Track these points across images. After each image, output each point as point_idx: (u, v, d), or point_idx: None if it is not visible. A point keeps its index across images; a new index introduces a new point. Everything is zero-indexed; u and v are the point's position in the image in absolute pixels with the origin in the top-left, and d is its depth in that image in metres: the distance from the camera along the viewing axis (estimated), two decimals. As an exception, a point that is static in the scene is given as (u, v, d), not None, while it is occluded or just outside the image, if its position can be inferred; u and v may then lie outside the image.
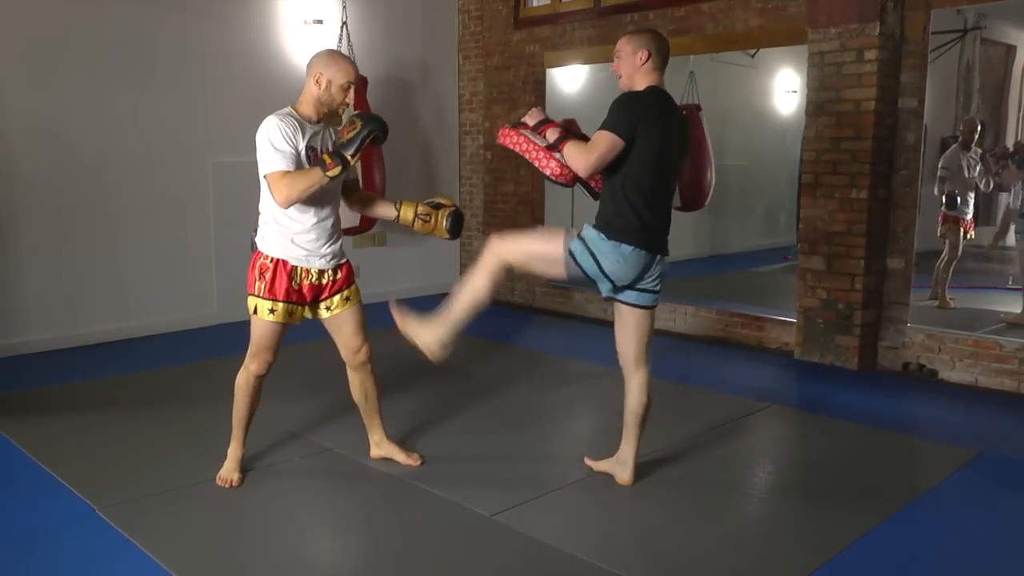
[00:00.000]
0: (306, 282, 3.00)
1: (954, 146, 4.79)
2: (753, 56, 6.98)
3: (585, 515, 2.93)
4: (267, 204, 2.95)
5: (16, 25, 4.89)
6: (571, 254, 2.86)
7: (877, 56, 4.53)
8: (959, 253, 4.95)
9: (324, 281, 3.04)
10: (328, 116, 3.02)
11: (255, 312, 2.97)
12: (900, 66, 4.66)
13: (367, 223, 5.87)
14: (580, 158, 2.81)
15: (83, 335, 5.24)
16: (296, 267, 2.97)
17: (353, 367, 3.21)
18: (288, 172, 2.82)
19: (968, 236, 4.95)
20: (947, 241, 4.95)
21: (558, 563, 2.58)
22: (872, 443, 3.64)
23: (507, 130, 3.02)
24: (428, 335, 2.95)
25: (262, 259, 2.96)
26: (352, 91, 2.97)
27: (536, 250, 2.93)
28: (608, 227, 2.85)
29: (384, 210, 3.18)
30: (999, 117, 4.79)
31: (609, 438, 3.26)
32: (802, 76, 5.27)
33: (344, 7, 6.05)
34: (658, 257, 2.92)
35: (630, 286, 2.93)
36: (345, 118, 3.13)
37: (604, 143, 2.78)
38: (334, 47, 5.98)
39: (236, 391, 3.07)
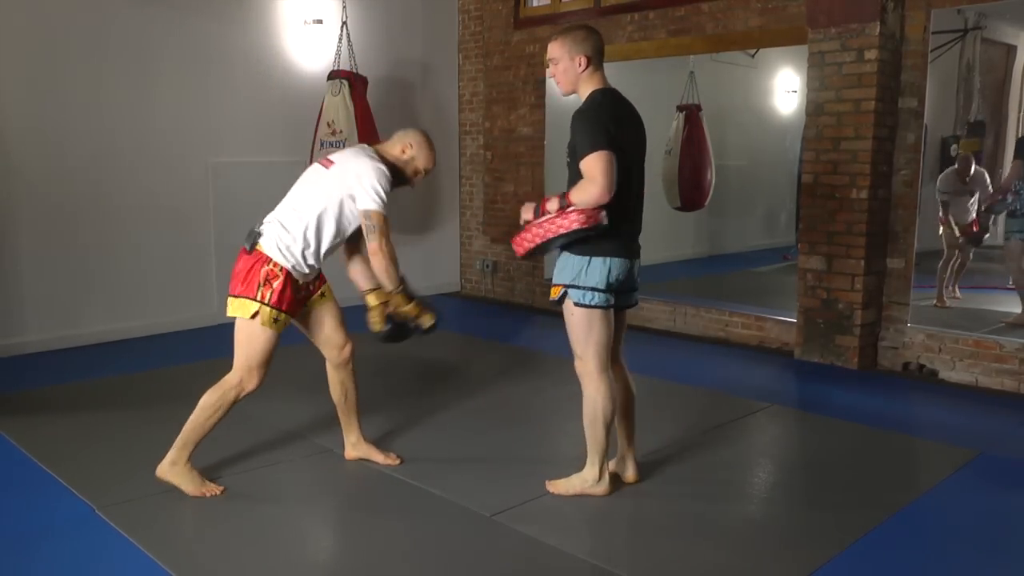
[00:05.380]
0: (298, 295, 3.03)
1: (950, 172, 4.81)
2: (753, 56, 6.97)
3: (585, 515, 2.93)
4: (306, 219, 2.94)
5: (16, 25, 4.89)
6: (582, 305, 2.82)
7: (877, 56, 4.54)
8: (956, 252, 4.96)
9: (303, 294, 3.07)
10: None
11: (254, 317, 2.89)
12: (900, 66, 4.66)
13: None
14: (590, 190, 2.66)
15: (83, 335, 5.24)
16: (296, 280, 2.98)
17: (337, 365, 3.21)
18: (388, 221, 2.92)
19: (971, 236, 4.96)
20: (945, 241, 4.97)
21: (558, 563, 2.58)
22: (872, 443, 3.64)
23: (518, 239, 2.87)
24: (582, 481, 3.00)
25: (270, 266, 2.91)
26: (422, 178, 3.13)
27: (583, 334, 2.86)
28: (587, 248, 2.80)
29: (363, 282, 3.17)
30: (999, 117, 4.79)
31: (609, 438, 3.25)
32: (802, 76, 5.26)
33: (344, 7, 6.04)
34: (636, 262, 2.95)
35: (618, 292, 2.93)
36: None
37: (599, 162, 2.66)
38: (336, 46, 5.99)
39: (215, 406, 2.93)
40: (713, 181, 6.53)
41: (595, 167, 2.66)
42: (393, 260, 2.93)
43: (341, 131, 5.73)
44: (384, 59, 6.51)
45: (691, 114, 6.41)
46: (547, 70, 2.89)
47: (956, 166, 4.76)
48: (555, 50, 2.85)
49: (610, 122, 2.74)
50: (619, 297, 2.94)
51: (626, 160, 2.77)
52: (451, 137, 7.24)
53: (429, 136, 3.14)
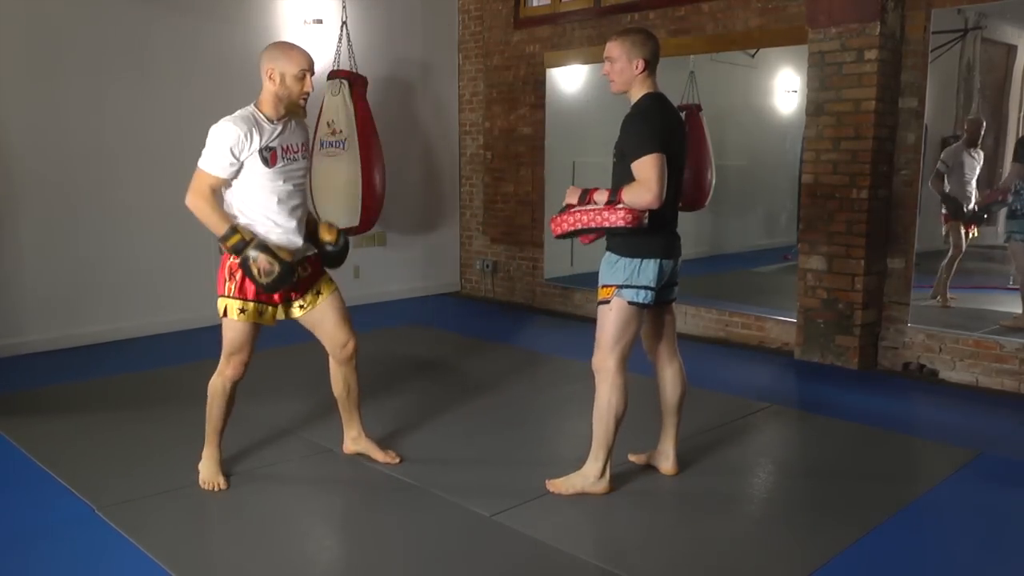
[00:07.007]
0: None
1: (957, 144, 4.79)
2: (753, 56, 6.97)
3: (585, 515, 2.93)
4: (230, 199, 2.98)
5: (16, 24, 4.89)
6: (635, 303, 2.89)
7: (877, 56, 4.53)
8: (963, 251, 4.97)
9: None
10: (291, 108, 2.95)
11: (224, 313, 2.97)
12: (900, 66, 4.66)
13: (366, 224, 5.86)
14: (644, 192, 2.74)
15: (83, 335, 5.24)
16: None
17: (339, 361, 3.21)
18: (212, 185, 2.91)
19: (972, 235, 4.96)
20: (951, 240, 4.97)
21: (558, 563, 2.58)
22: (872, 443, 3.64)
23: (557, 219, 2.94)
24: (583, 478, 3.01)
25: (232, 259, 2.94)
26: (308, 79, 2.90)
27: (618, 331, 2.92)
28: (639, 250, 2.88)
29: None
30: (999, 117, 4.79)
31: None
32: (802, 76, 5.26)
33: (344, 7, 6.04)
34: (679, 259, 3.04)
35: (659, 289, 2.98)
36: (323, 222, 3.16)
37: (654, 165, 2.74)
38: (336, 46, 5.99)
39: (211, 397, 3.06)
40: (713, 181, 6.53)
41: (650, 171, 2.74)
42: (197, 213, 2.95)
43: (341, 131, 5.73)
44: (384, 59, 6.51)
45: (691, 114, 6.41)
46: (602, 67, 2.94)
47: (965, 134, 4.75)
48: (614, 50, 2.91)
49: (662, 128, 2.81)
50: (663, 291, 3.00)
51: (670, 166, 2.83)
52: (451, 137, 7.23)
53: (282, 41, 3.06)
